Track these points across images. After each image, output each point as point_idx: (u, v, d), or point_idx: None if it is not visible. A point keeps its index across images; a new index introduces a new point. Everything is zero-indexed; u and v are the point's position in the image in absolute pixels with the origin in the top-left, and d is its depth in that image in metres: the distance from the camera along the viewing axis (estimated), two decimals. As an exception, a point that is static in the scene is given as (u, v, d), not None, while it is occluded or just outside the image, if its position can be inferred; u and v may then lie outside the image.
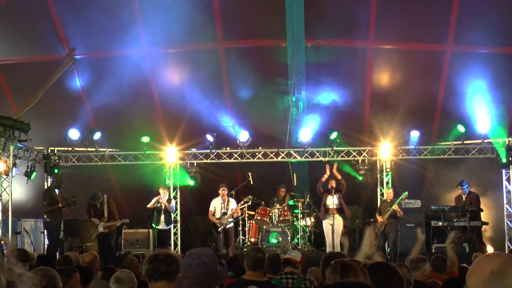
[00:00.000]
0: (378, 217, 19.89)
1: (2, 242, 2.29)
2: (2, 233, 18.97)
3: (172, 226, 21.41)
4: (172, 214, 21.12)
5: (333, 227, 19.45)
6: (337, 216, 19.61)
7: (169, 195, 21.09)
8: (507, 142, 20.76)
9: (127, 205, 22.50)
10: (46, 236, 20.76)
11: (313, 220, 21.19)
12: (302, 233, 21.05)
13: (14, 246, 2.36)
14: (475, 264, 3.00)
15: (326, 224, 19.78)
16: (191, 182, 22.22)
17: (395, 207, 19.49)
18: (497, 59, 20.63)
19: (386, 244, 20.06)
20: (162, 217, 20.49)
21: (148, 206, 20.33)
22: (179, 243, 22.30)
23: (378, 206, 20.72)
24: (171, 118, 22.13)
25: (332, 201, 19.62)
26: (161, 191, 20.50)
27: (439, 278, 9.25)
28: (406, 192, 19.80)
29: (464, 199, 20.00)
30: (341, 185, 19.99)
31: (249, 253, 8.20)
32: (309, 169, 23.28)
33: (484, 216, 20.39)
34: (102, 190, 20.35)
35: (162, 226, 20.52)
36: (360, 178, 21.79)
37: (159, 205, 20.27)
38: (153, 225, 20.32)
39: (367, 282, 5.11)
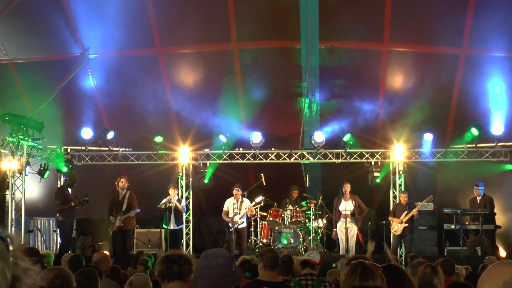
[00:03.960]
0: (394, 219, 19.88)
1: (7, 237, 2.31)
2: (13, 231, 19.02)
3: (183, 226, 21.40)
4: (184, 214, 21.12)
5: (348, 230, 19.43)
6: (350, 220, 19.60)
7: (178, 195, 21.02)
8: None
9: (139, 205, 22.51)
10: (58, 235, 20.83)
11: (325, 221, 21.15)
12: (314, 235, 20.99)
13: (19, 241, 2.39)
14: (487, 272, 2.96)
15: (340, 227, 19.76)
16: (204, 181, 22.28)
17: (417, 208, 19.65)
18: (511, 62, 20.58)
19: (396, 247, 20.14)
20: (173, 217, 20.41)
21: (159, 206, 20.28)
22: (191, 244, 22.30)
23: (391, 208, 20.70)
24: (184, 118, 22.13)
25: (345, 206, 19.59)
26: (171, 191, 20.40)
27: (447, 281, 9.23)
28: (431, 196, 19.89)
29: (478, 201, 20.00)
30: (361, 209, 20.02)
31: (265, 253, 8.15)
32: (322, 171, 23.24)
33: (497, 220, 20.34)
34: (113, 190, 20.33)
35: (172, 226, 20.42)
36: (379, 181, 21.78)
37: (170, 204, 20.23)
38: (164, 225, 20.30)
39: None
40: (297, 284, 8.18)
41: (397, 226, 19.77)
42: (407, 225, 19.68)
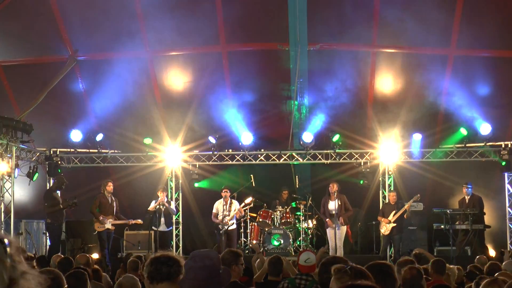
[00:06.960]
0: (383, 219, 19.92)
1: (5, 240, 2.30)
2: (5, 232, 18.95)
3: (172, 228, 21.41)
4: (173, 216, 21.14)
5: (336, 230, 19.44)
6: (336, 220, 19.61)
7: (167, 198, 21.04)
8: (509, 145, 20.76)
9: (129, 207, 22.49)
10: (48, 237, 20.78)
11: (315, 222, 21.18)
12: (304, 235, 21.01)
13: (18, 245, 2.37)
14: None
15: (329, 228, 19.76)
16: (194, 184, 22.32)
17: (407, 207, 19.65)
18: (499, 62, 20.66)
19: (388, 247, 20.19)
20: (162, 219, 20.46)
21: (149, 209, 20.31)
22: (180, 245, 22.31)
23: (380, 208, 20.71)
24: (173, 120, 22.11)
25: (334, 206, 19.59)
26: (160, 194, 20.40)
27: (439, 281, 9.32)
28: (418, 195, 19.91)
29: (467, 201, 20.08)
30: (346, 209, 19.94)
31: (224, 253, 8.21)
32: (311, 171, 23.27)
33: (486, 219, 20.42)
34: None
35: (162, 228, 20.49)
36: (361, 182, 21.83)
37: (162, 207, 20.24)
38: (154, 227, 20.34)
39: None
40: (291, 282, 8.21)
41: (385, 226, 19.82)
42: (395, 225, 19.71)
